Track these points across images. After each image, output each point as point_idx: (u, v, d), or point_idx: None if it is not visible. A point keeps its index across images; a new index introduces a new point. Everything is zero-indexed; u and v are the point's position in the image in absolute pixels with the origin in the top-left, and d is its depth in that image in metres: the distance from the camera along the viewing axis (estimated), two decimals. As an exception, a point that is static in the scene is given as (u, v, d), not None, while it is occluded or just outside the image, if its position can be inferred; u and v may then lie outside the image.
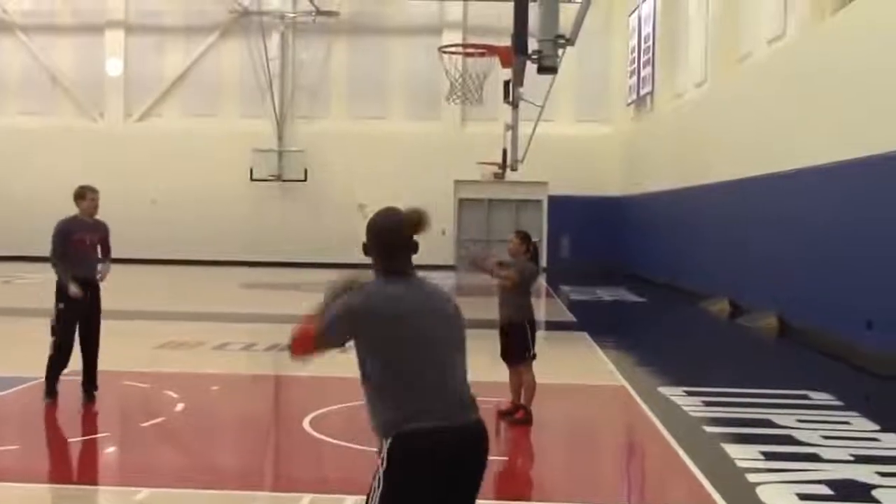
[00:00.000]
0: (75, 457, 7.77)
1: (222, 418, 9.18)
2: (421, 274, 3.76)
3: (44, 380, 8.97)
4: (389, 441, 3.51)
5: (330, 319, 3.64)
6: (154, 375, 10.63)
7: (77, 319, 9.00)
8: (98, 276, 9.22)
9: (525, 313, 8.70)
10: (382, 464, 3.51)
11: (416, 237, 3.73)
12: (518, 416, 8.60)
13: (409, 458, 3.49)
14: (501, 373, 8.80)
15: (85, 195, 9.16)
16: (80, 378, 9.17)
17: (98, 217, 9.32)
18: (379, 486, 3.51)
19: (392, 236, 3.72)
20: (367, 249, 3.77)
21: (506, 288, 8.60)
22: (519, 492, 7.04)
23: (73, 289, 8.82)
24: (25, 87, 34.22)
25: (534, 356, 8.70)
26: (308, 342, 3.73)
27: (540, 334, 16.61)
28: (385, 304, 3.61)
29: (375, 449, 3.57)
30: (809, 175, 15.13)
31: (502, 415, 8.66)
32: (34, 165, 32.26)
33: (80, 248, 9.02)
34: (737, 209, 19.10)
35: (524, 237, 8.86)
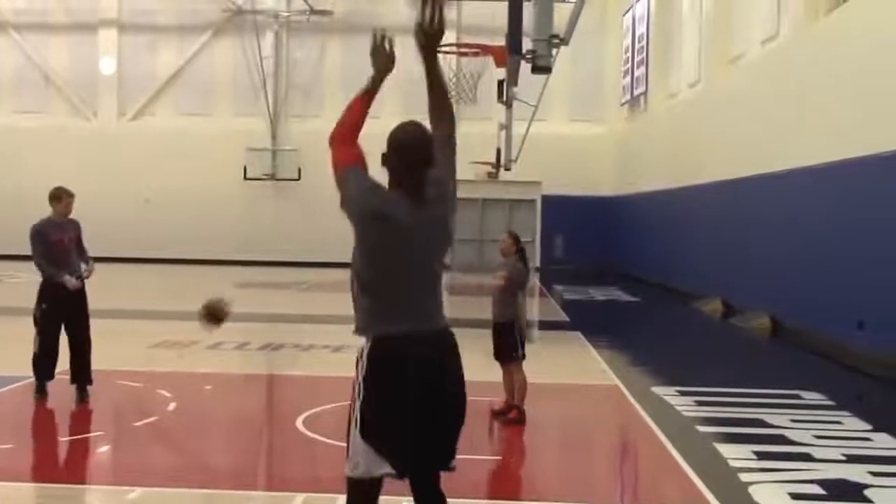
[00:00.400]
0: (68, 456, 7.75)
1: (215, 418, 9.17)
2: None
3: (34, 376, 9.07)
4: (368, 344, 3.79)
5: (352, 175, 3.90)
6: (147, 375, 10.62)
7: (61, 320, 9.03)
8: (84, 275, 9.18)
9: (514, 313, 8.70)
10: (361, 368, 3.77)
11: (424, 160, 3.88)
12: (511, 415, 8.61)
13: (385, 360, 3.74)
14: (495, 373, 8.80)
15: (61, 198, 9.11)
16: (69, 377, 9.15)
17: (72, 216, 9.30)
18: (360, 395, 3.76)
19: (408, 151, 3.93)
20: (384, 160, 3.97)
21: (499, 287, 8.64)
22: (512, 491, 7.05)
23: (72, 281, 8.89)
24: (19, 85, 34.15)
25: (523, 356, 8.68)
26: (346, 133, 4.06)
27: (534, 333, 16.68)
28: (391, 208, 3.82)
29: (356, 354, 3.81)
30: (802, 175, 15.17)
31: (496, 414, 8.67)
32: (27, 164, 32.15)
33: (60, 249, 9.01)
34: (730, 209, 19.13)
35: (517, 237, 8.89)
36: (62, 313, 9.01)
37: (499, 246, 9.00)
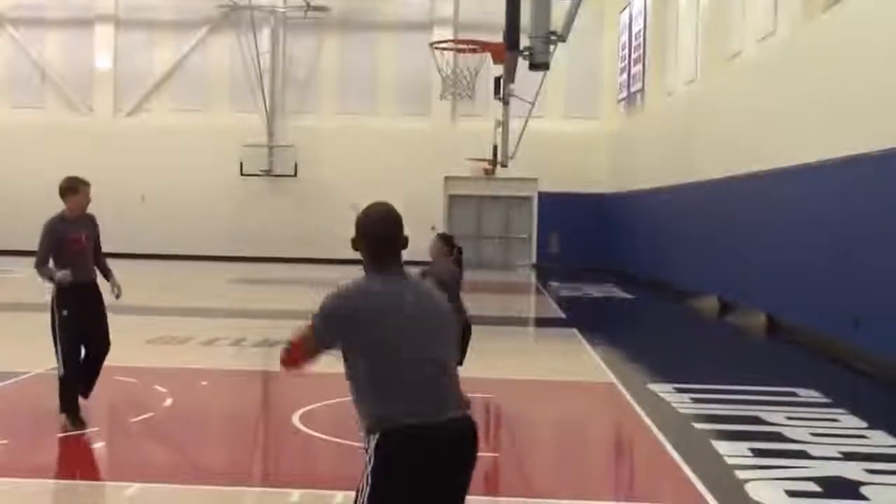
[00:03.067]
0: (64, 452, 7.73)
1: (211, 414, 9.17)
2: (409, 270, 3.77)
3: (59, 403, 7.94)
4: (375, 439, 3.53)
5: (317, 324, 3.66)
6: (143, 371, 10.60)
7: (83, 326, 7.96)
8: (115, 292, 8.22)
9: (461, 318, 8.32)
10: (370, 462, 3.53)
11: (396, 238, 3.74)
12: None
13: (395, 455, 3.51)
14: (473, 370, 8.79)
15: (77, 188, 8.01)
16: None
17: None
18: (367, 486, 3.52)
19: (380, 232, 3.74)
20: (355, 245, 3.78)
21: None
22: (508, 488, 7.05)
23: (60, 275, 7.74)
24: (14, 81, 34.09)
25: (460, 362, 8.36)
26: (296, 351, 3.75)
27: (529, 331, 16.69)
28: (371, 303, 3.61)
29: (363, 446, 3.58)
30: (799, 173, 15.18)
31: None
32: (23, 160, 32.10)
33: (76, 249, 7.94)
34: (726, 207, 19.14)
35: (446, 239, 8.81)
36: (83, 319, 7.93)
37: (431, 248, 8.76)
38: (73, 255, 7.90)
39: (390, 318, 3.59)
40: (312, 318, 3.67)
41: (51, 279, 7.84)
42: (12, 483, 6.55)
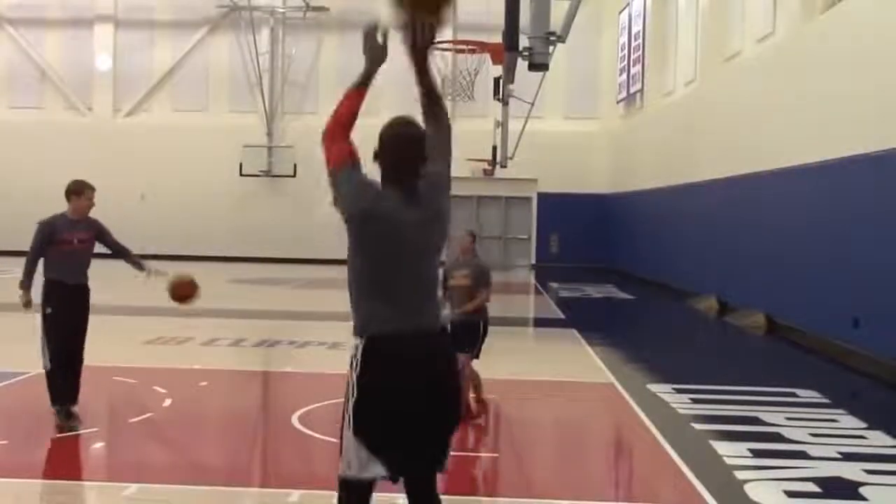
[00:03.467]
0: (63, 452, 7.72)
1: (210, 414, 9.16)
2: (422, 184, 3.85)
3: (49, 398, 8.02)
4: (362, 343, 3.73)
5: (345, 173, 3.84)
6: (142, 371, 10.60)
7: (67, 323, 8.02)
8: (147, 273, 8.42)
9: (482, 314, 8.55)
10: (355, 367, 3.71)
11: (417, 157, 3.86)
12: (478, 410, 8.52)
13: (378, 359, 3.69)
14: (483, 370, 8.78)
15: (82, 192, 8.13)
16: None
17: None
18: (353, 394, 3.72)
19: (400, 148, 3.90)
20: (376, 156, 3.94)
21: (459, 289, 8.47)
22: (507, 489, 7.05)
23: (25, 297, 7.94)
24: (14, 81, 34.11)
25: (476, 356, 8.48)
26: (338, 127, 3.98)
27: (529, 331, 16.70)
28: (384, 206, 3.77)
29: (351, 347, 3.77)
30: (798, 173, 15.18)
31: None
32: (22, 160, 32.12)
33: (67, 250, 8.02)
34: (725, 207, 19.14)
35: (474, 236, 8.98)
36: (67, 317, 7.99)
37: (457, 244, 8.80)
38: (63, 255, 7.99)
39: (393, 228, 3.74)
40: (338, 170, 3.86)
41: (23, 286, 7.97)
42: (11, 483, 6.54)
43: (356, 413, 3.72)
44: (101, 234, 8.33)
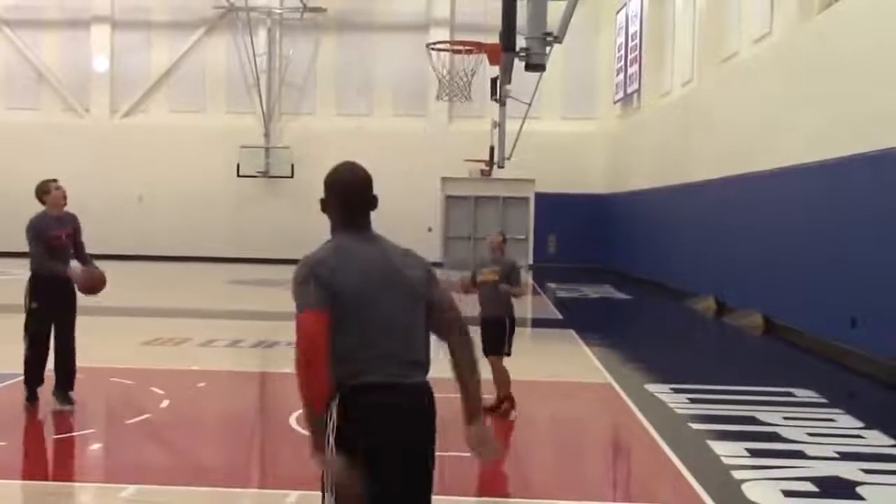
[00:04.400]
0: (61, 454, 7.73)
1: (208, 415, 9.16)
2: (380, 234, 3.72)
3: (23, 382, 8.66)
4: (337, 397, 3.46)
5: (305, 294, 3.48)
6: (139, 372, 10.59)
7: (52, 318, 8.58)
8: (84, 284, 8.61)
9: (506, 309, 8.83)
10: (331, 422, 3.44)
11: (366, 200, 3.69)
12: (504, 407, 8.66)
13: (354, 413, 3.42)
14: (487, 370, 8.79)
15: (49, 189, 8.65)
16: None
17: (67, 210, 8.81)
18: (330, 446, 3.44)
19: (350, 192, 3.71)
20: (324, 206, 3.74)
21: (489, 284, 8.78)
22: (505, 489, 7.05)
23: (61, 268, 8.47)
24: (11, 82, 34.06)
25: (508, 353, 8.78)
26: (309, 349, 3.42)
27: (526, 331, 16.69)
28: (340, 261, 3.56)
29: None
30: (795, 174, 15.19)
31: (489, 411, 8.66)
32: (19, 161, 32.01)
33: (57, 245, 8.57)
34: (722, 207, 19.15)
35: (504, 236, 9.28)
36: (53, 312, 8.57)
37: (488, 243, 9.18)
38: (53, 250, 8.54)
39: (357, 278, 3.52)
40: (297, 296, 3.52)
41: (59, 270, 8.49)
42: (8, 485, 6.55)
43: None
44: (76, 230, 8.84)
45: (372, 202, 3.73)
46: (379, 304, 3.53)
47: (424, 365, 3.63)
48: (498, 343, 8.74)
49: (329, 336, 3.43)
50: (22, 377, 8.89)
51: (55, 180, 8.82)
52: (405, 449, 3.51)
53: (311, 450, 3.47)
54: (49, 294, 8.51)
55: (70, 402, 8.67)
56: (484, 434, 3.73)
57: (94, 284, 8.51)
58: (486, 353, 8.81)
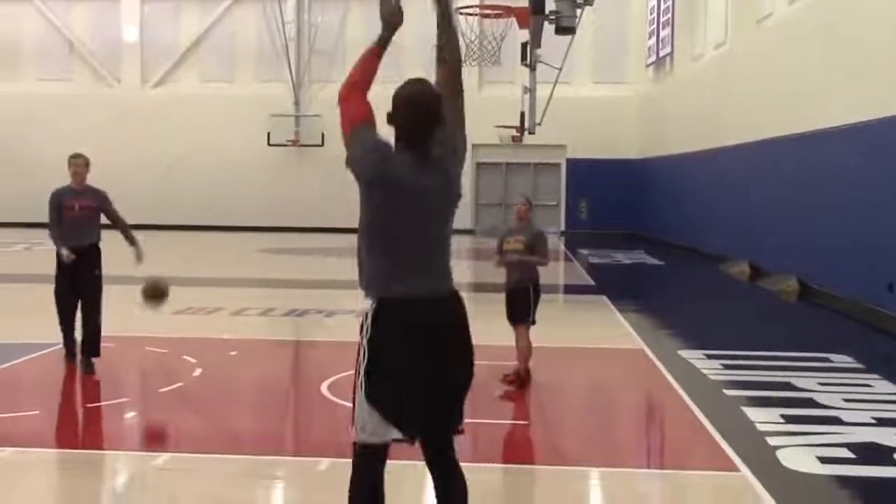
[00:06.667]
0: (94, 422, 7.79)
1: (240, 383, 9.19)
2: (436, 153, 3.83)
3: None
4: (374, 306, 3.74)
5: (359, 135, 3.77)
6: (172, 341, 10.64)
7: (68, 285, 9.00)
8: (136, 252, 9.15)
9: (531, 278, 8.76)
10: (366, 331, 3.73)
11: (432, 117, 3.81)
12: (510, 379, 8.54)
13: (390, 323, 3.70)
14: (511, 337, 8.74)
15: (70, 162, 9.17)
16: (104, 344, 9.14)
17: (90, 184, 9.22)
18: (364, 358, 3.74)
19: (417, 111, 3.81)
20: (389, 118, 3.86)
21: (517, 254, 8.71)
22: (537, 456, 7.02)
23: (64, 253, 8.86)
24: (43, 53, 34.22)
25: (533, 322, 8.70)
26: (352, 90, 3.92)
27: (559, 298, 16.64)
28: (395, 169, 3.73)
29: (359, 312, 3.75)
30: (831, 136, 14.96)
31: (504, 379, 8.57)
32: (52, 132, 32.22)
33: (70, 217, 8.99)
34: (758, 171, 18.93)
35: (530, 203, 9.27)
36: (73, 280, 8.99)
37: (515, 210, 9.13)
38: (69, 221, 9.00)
39: (405, 191, 3.71)
40: (353, 131, 3.80)
41: (58, 246, 8.96)
42: (43, 453, 6.60)
43: (368, 377, 3.73)
44: (104, 203, 9.25)
45: (437, 119, 3.81)
46: (419, 221, 3.75)
47: (449, 275, 3.90)
48: (524, 311, 8.68)
49: (373, 238, 3.76)
50: (60, 345, 9.27)
51: (78, 156, 9.22)
52: (432, 347, 3.72)
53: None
54: (66, 264, 8.92)
55: (89, 369, 8.90)
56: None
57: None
58: (512, 321, 8.76)
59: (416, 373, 3.70)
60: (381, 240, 3.76)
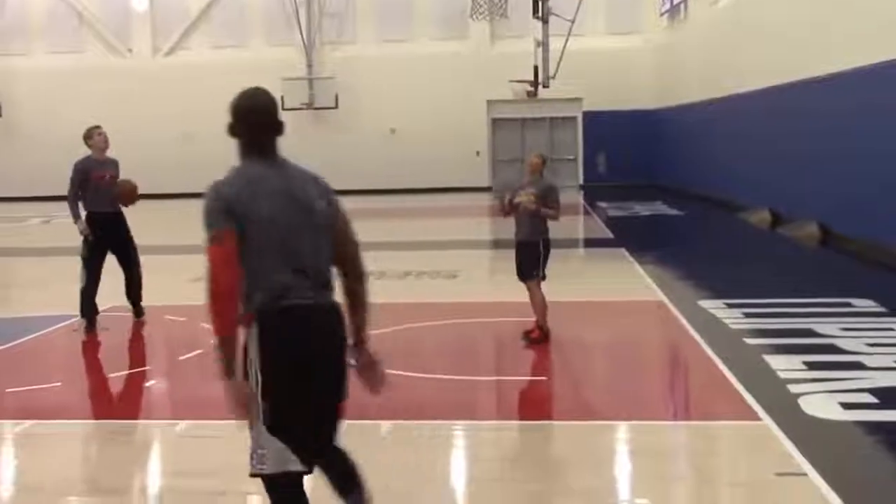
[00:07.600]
0: (115, 391, 7.83)
1: (260, 348, 9.19)
2: (285, 157, 3.78)
3: (79, 309, 9.50)
4: (256, 323, 3.58)
5: (213, 222, 3.59)
6: (191, 309, 10.63)
7: (103, 249, 9.61)
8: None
9: (541, 232, 8.69)
10: (255, 343, 3.57)
11: (273, 124, 3.78)
12: (533, 335, 8.54)
13: (268, 334, 3.55)
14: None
15: (92, 134, 9.64)
16: (120, 314, 9.83)
17: (109, 155, 9.84)
18: (258, 381, 3.56)
19: (257, 117, 3.76)
20: (231, 131, 3.77)
21: (528, 208, 8.59)
22: (560, 411, 7.01)
23: (81, 227, 9.46)
24: (52, 26, 34.10)
25: (543, 277, 8.64)
26: (219, 279, 3.57)
27: (578, 252, 16.58)
28: (247, 186, 3.60)
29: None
30: (849, 79, 14.74)
31: (525, 335, 8.56)
32: (65, 105, 32.22)
33: (100, 184, 9.53)
34: (775, 117, 18.71)
35: (544, 158, 9.07)
36: (109, 243, 9.62)
37: (527, 164, 9.02)
38: (98, 189, 9.51)
39: (262, 202, 3.57)
40: (206, 222, 3.64)
41: (75, 220, 9.53)
42: (66, 424, 6.64)
43: (269, 405, 3.54)
44: (117, 174, 9.78)
45: (276, 127, 3.78)
46: (288, 229, 3.59)
47: (332, 285, 3.76)
48: (532, 266, 8.62)
49: (240, 264, 3.53)
50: (77, 317, 9.40)
51: (98, 127, 9.79)
52: (323, 358, 3.63)
53: (221, 375, 3.57)
54: (102, 228, 9.54)
55: (140, 313, 9.88)
56: (369, 359, 3.87)
57: (124, 193, 9.47)
58: (521, 276, 8.71)
59: (314, 395, 3.64)
60: (248, 258, 3.60)
